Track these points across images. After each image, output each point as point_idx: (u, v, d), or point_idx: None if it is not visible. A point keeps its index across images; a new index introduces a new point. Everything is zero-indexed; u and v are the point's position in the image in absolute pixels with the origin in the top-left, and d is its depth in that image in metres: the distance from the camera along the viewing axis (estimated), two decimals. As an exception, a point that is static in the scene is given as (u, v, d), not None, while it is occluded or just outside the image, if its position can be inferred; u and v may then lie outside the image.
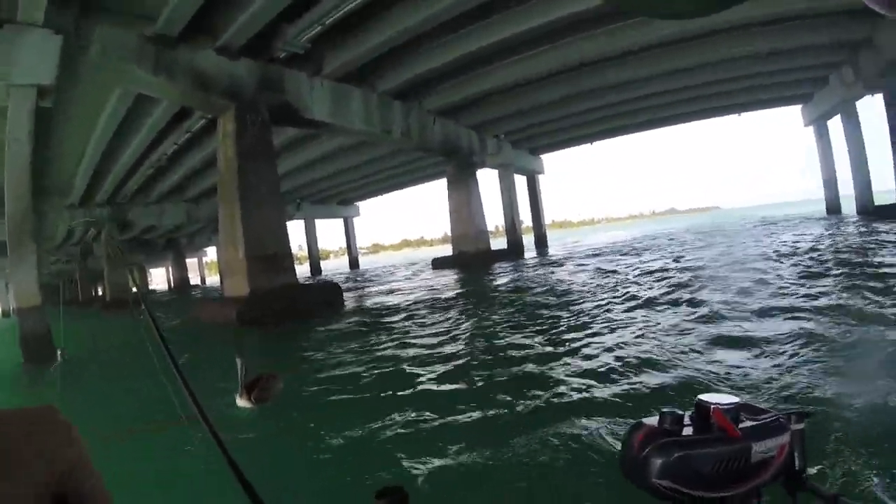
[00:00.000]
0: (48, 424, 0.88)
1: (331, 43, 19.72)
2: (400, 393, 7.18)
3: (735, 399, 1.13)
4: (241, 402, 6.50)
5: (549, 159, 52.39)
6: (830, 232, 23.77)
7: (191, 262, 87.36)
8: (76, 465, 0.88)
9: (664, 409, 1.13)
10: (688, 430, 1.11)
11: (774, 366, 6.07)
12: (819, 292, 10.06)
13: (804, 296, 9.96)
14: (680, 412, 1.13)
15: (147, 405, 6.84)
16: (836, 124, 33.36)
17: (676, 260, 20.15)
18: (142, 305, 2.57)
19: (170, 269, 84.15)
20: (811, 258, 15.38)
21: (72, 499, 0.86)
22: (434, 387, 7.36)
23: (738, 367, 6.25)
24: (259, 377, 6.60)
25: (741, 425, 1.10)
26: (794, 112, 38.01)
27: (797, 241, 20.66)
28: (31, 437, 0.84)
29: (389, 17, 18.13)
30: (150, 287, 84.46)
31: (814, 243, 19.37)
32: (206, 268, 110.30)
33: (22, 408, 0.88)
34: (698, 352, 7.12)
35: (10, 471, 0.79)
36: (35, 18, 13.50)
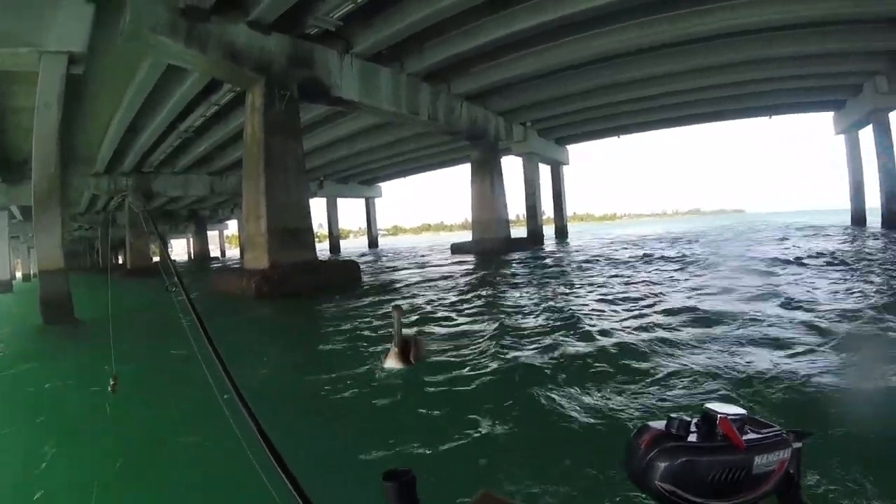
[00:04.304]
0: None
1: (362, 21, 19.70)
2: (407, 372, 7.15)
3: (742, 411, 1.14)
4: (391, 364, 6.63)
5: (575, 151, 52.33)
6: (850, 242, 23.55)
7: (211, 235, 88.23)
8: None
9: (672, 415, 1.14)
10: (693, 438, 1.11)
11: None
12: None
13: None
14: (687, 419, 1.13)
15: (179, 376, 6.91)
16: (867, 135, 32.80)
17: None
18: (175, 278, 2.52)
19: (190, 240, 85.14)
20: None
21: None
22: (443, 360, 7.33)
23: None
24: (406, 339, 6.75)
25: (745, 437, 1.11)
26: (825, 119, 37.54)
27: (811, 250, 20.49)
28: None
29: (422, -2, 18.07)
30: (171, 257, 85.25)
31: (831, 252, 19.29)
32: (226, 241, 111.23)
33: None
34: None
35: None
36: (68, -14, 13.66)
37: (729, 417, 1.11)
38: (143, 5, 15.68)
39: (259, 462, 1.38)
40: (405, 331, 6.82)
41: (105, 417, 5.14)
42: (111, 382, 3.07)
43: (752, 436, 1.13)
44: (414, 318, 11.34)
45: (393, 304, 8.00)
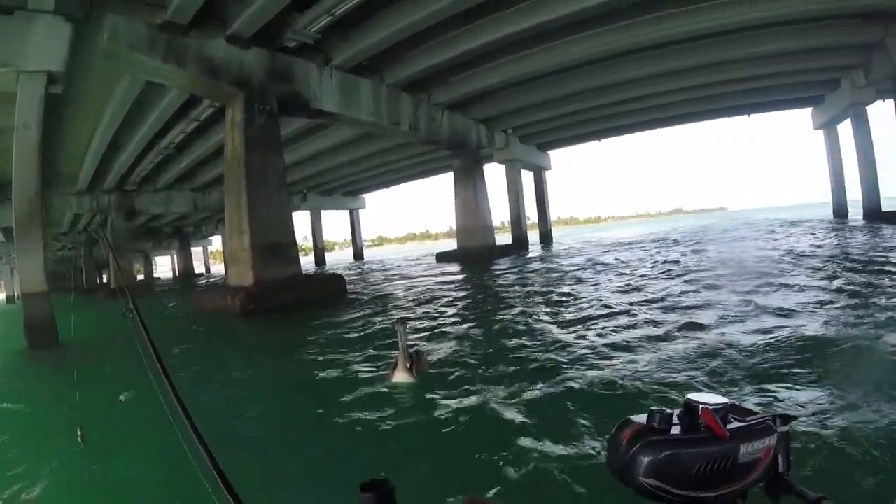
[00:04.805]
0: None
1: (340, 33, 19.70)
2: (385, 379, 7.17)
3: (724, 400, 1.13)
4: (400, 377, 6.70)
5: (557, 156, 52.35)
6: (832, 235, 23.72)
7: (196, 251, 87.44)
8: None
9: (653, 408, 1.13)
10: (676, 430, 1.11)
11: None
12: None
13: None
14: (669, 411, 1.13)
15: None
16: (846, 129, 33.11)
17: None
18: (131, 305, 2.50)
19: (175, 257, 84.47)
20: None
21: None
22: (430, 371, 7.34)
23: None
24: (409, 353, 6.81)
25: (729, 426, 1.11)
26: (804, 115, 37.80)
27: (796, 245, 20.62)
28: None
29: (400, 9, 18.09)
30: (155, 274, 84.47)
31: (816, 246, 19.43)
32: (210, 257, 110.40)
33: None
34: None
35: None
36: (45, 6, 13.64)
37: (711, 407, 1.10)
38: (121, 21, 15.64)
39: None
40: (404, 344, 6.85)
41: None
42: (79, 433, 3.03)
43: (735, 424, 1.13)
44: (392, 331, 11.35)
45: (397, 318, 8.06)
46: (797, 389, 5.09)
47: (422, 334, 10.38)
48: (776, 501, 1.20)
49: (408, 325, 7.54)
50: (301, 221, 68.96)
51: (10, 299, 61.74)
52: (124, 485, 4.67)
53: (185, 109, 24.20)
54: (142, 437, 5.52)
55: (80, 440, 3.02)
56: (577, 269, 20.32)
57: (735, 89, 30.25)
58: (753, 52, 23.70)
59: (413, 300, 16.69)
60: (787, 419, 1.21)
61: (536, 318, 10.84)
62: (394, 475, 1.11)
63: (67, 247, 63.73)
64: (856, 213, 32.81)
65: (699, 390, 3.89)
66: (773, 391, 5.14)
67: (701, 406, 1.10)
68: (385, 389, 6.68)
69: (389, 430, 5.37)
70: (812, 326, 7.50)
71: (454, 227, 37.17)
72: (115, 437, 5.78)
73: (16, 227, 14.31)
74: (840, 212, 35.94)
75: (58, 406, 6.49)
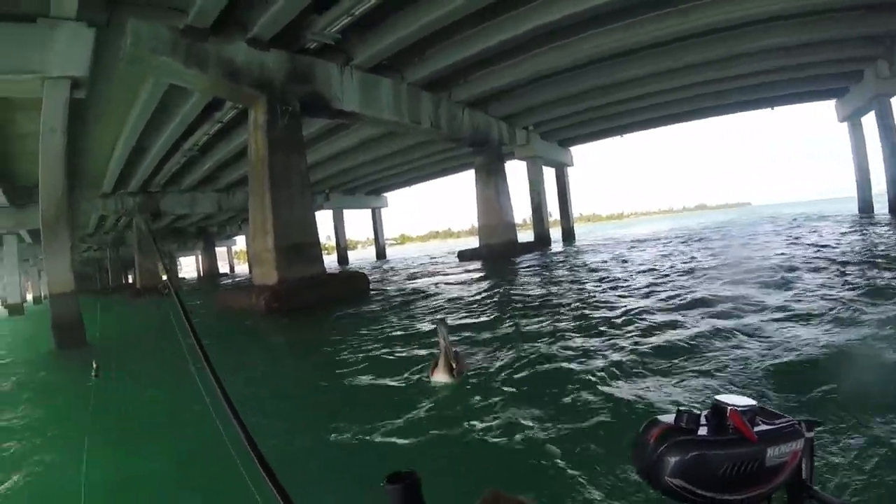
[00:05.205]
0: None
1: (360, 33, 19.78)
2: (415, 378, 7.23)
3: (752, 402, 1.12)
4: (441, 378, 6.71)
5: (579, 152, 52.10)
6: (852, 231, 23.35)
7: (220, 251, 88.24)
8: None
9: (681, 408, 1.13)
10: (703, 431, 1.10)
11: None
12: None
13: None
14: (696, 412, 1.12)
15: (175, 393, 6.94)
16: (871, 121, 32.48)
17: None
18: (172, 292, 2.54)
19: (199, 257, 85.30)
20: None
21: None
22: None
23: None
24: (452, 353, 6.85)
25: (757, 429, 1.10)
26: (829, 108, 37.22)
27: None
28: None
29: (418, 8, 18.14)
30: (180, 275, 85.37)
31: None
32: (234, 256, 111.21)
33: None
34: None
35: None
36: (68, 12, 13.81)
37: (739, 409, 1.10)
38: (142, 26, 15.80)
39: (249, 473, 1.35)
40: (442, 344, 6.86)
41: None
42: (94, 367, 3.05)
43: (763, 427, 1.12)
44: (416, 330, 11.38)
45: (437, 318, 8.21)
46: (822, 395, 5.01)
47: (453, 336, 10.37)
48: None
49: (449, 326, 7.50)
50: (324, 221, 69.23)
51: (36, 300, 62.71)
52: (158, 478, 4.77)
53: (209, 112, 24.40)
54: (179, 424, 5.62)
55: (94, 374, 3.07)
56: (600, 266, 20.24)
57: (756, 82, 29.92)
58: (772, 43, 23.44)
59: (436, 299, 16.66)
60: (812, 425, 1.21)
61: (561, 317, 10.77)
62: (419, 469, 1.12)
63: (93, 248, 64.65)
64: (882, 208, 32.16)
65: (728, 392, 3.87)
66: (798, 395, 5.07)
67: (729, 408, 1.10)
68: (403, 384, 6.76)
69: (418, 428, 5.39)
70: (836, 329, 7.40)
71: (476, 225, 37.16)
72: (153, 423, 5.90)
73: (43, 229, 14.54)
74: (865, 207, 35.23)
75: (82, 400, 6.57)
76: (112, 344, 14.39)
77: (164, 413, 6.53)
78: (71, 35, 14.10)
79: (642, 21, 20.69)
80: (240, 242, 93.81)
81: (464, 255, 36.25)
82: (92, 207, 39.62)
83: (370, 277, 23.07)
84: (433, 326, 8.89)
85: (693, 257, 19.88)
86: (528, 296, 14.54)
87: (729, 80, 29.04)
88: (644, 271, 17.14)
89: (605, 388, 5.85)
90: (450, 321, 11.52)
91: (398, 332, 11.23)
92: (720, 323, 8.28)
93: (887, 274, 11.13)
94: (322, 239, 22.64)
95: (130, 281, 62.80)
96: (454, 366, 6.72)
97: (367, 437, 5.20)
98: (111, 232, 52.25)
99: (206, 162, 33.29)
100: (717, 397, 1.14)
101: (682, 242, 28.28)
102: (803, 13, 21.14)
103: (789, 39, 23.17)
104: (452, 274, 25.49)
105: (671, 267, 17.43)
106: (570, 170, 47.43)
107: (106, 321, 16.68)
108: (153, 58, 16.20)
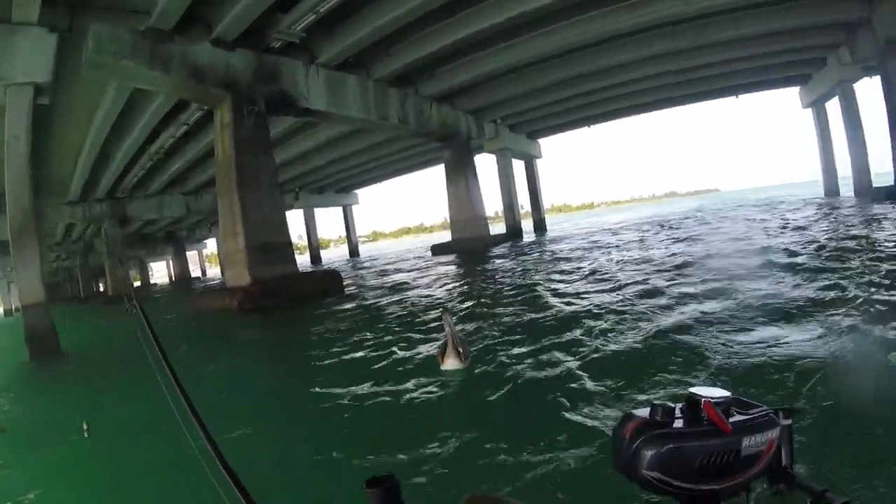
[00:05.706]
0: None
1: (325, 31, 19.72)
2: (392, 375, 7.24)
3: (726, 393, 1.14)
4: (451, 365, 6.79)
5: (547, 144, 51.95)
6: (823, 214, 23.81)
7: (191, 255, 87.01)
8: None
9: (655, 402, 1.14)
10: (679, 424, 1.11)
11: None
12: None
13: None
14: (671, 405, 1.14)
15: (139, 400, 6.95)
16: (835, 106, 33.07)
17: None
18: (134, 301, 2.56)
19: (170, 262, 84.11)
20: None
21: None
22: (426, 367, 7.37)
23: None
24: (454, 340, 6.89)
25: (732, 419, 1.11)
26: (794, 94, 37.73)
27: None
28: None
29: (383, 4, 18.15)
30: (152, 281, 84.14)
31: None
32: (206, 260, 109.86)
33: None
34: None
35: None
36: (29, 17, 13.62)
37: (713, 401, 1.11)
38: (105, 30, 15.66)
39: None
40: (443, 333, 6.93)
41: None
42: (84, 428, 3.07)
43: (738, 418, 1.14)
44: (390, 326, 11.42)
45: (442, 308, 8.38)
46: (802, 381, 5.01)
47: (406, 332, 10.35)
48: (780, 494, 1.23)
49: (454, 314, 7.53)
50: (295, 220, 68.66)
51: (7, 312, 61.61)
52: (130, 482, 4.77)
53: (175, 114, 24.16)
54: (147, 434, 5.61)
55: (84, 433, 3.09)
56: (569, 253, 20.82)
57: (721, 71, 30.33)
58: (737, 33, 23.77)
59: (409, 294, 16.69)
60: (789, 413, 1.24)
61: (530, 308, 10.85)
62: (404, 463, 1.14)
63: (62, 257, 63.53)
64: (847, 191, 32.72)
65: (702, 384, 3.93)
66: (777, 382, 5.09)
67: (703, 399, 1.11)
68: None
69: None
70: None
71: (448, 219, 37.13)
72: (120, 435, 5.89)
73: (11, 239, 14.37)
74: (831, 190, 36.03)
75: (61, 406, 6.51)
76: (86, 353, 14.23)
77: (133, 421, 6.48)
78: (33, 40, 13.93)
79: (609, 12, 20.89)
80: (210, 245, 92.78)
81: (437, 250, 36.30)
82: (59, 216, 38.99)
83: (343, 275, 23.01)
84: (409, 320, 8.92)
85: (658, 243, 20.20)
86: (499, 286, 14.67)
87: (692, 70, 29.38)
88: (611, 259, 17.38)
89: (576, 385, 5.82)
90: (423, 317, 11.62)
91: (369, 327, 11.25)
92: (693, 312, 8.34)
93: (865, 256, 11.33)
94: (294, 239, 22.48)
95: (102, 289, 61.87)
96: (461, 350, 6.83)
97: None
98: (80, 240, 51.41)
99: (174, 164, 32.89)
100: (692, 389, 1.15)
101: (645, 231, 28.52)
102: (769, 2, 21.52)
103: (754, 29, 23.50)
104: (425, 268, 25.54)
105: (637, 254, 17.70)
106: (539, 161, 47.64)
107: (82, 330, 16.43)
108: (116, 63, 16.05)
